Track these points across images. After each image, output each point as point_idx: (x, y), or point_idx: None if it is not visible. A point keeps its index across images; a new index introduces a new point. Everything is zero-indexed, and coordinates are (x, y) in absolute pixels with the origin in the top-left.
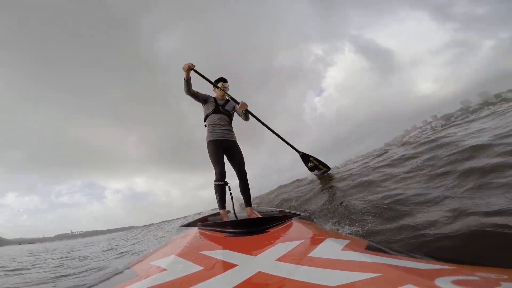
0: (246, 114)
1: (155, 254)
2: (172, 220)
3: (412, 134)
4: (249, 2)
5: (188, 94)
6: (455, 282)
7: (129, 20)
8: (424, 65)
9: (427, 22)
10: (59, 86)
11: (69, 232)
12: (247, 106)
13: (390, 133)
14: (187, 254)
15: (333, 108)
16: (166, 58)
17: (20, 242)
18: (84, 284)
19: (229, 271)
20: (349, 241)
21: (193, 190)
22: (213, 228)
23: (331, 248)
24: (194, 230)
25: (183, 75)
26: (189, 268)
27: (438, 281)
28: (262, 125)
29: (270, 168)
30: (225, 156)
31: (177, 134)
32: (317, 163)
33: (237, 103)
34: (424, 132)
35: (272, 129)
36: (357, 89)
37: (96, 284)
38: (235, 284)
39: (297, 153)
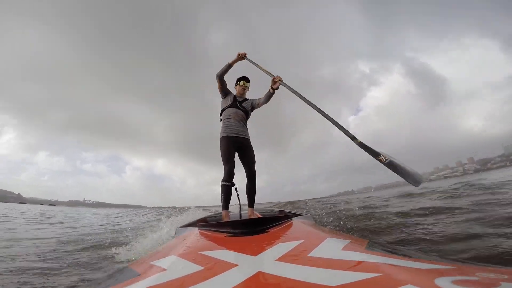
0: (273, 93)
1: (155, 254)
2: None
3: (441, 173)
4: (301, 8)
5: (219, 77)
6: (455, 282)
7: (188, 12)
8: (478, 99)
9: (495, 52)
10: (114, 62)
11: (81, 200)
12: (281, 79)
13: (421, 167)
14: (187, 254)
15: (368, 130)
16: (213, 52)
17: (35, 202)
18: (84, 283)
19: (229, 271)
20: (349, 241)
21: (207, 183)
22: (213, 228)
23: (331, 248)
24: (195, 230)
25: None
26: (189, 268)
27: (438, 281)
28: (301, 99)
29: (284, 179)
30: (236, 154)
31: (205, 127)
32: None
33: (272, 75)
34: (453, 174)
35: (316, 105)
36: (397, 113)
37: (96, 284)
38: (235, 284)
39: (353, 142)
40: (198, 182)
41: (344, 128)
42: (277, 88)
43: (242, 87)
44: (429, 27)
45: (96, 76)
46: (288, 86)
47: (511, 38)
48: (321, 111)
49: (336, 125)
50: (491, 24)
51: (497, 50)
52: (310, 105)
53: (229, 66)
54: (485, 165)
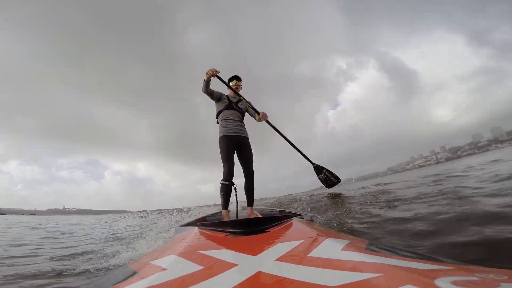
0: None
1: (155, 254)
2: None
3: (416, 163)
4: (280, 7)
5: (205, 93)
6: (455, 282)
7: (166, 8)
8: (447, 91)
9: (462, 46)
10: (83, 64)
11: (61, 207)
12: (267, 117)
13: (396, 158)
14: (187, 253)
15: (346, 123)
16: (191, 52)
17: (12, 212)
18: (84, 284)
19: (229, 270)
20: (349, 241)
21: (193, 183)
22: (213, 228)
23: (331, 248)
24: (194, 230)
25: (204, 70)
26: (189, 267)
27: (438, 281)
28: (279, 134)
29: (270, 177)
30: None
31: (187, 127)
32: (330, 175)
33: (257, 112)
34: (427, 163)
35: (288, 138)
36: (373, 107)
37: (95, 284)
38: (235, 284)
39: (311, 165)
40: (182, 183)
41: (306, 156)
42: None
43: (234, 87)
44: (400, 22)
45: (65, 80)
46: (271, 123)
47: (476, 33)
48: (294, 145)
49: (300, 153)
50: (457, 19)
51: (464, 44)
52: (289, 143)
53: (206, 83)
54: (455, 153)
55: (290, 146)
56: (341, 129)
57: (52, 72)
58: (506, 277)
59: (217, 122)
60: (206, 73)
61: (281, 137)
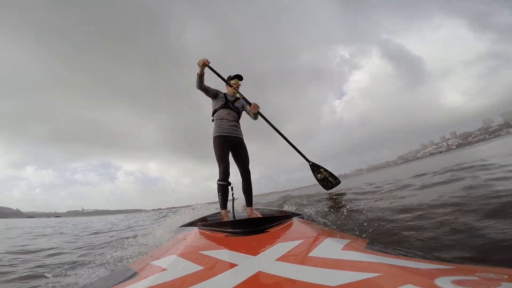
0: (256, 115)
1: (155, 254)
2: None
3: (427, 150)
4: None
5: (199, 89)
6: (455, 282)
7: (163, 8)
8: (455, 76)
9: (464, 31)
10: (90, 70)
11: (80, 209)
12: (259, 108)
13: (407, 145)
14: (188, 254)
15: (353, 112)
16: (192, 51)
17: (34, 215)
18: (84, 284)
19: (229, 270)
20: (349, 240)
21: (202, 180)
22: (213, 228)
23: (331, 248)
24: (194, 230)
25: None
26: (189, 268)
27: (438, 281)
28: (273, 129)
29: (278, 169)
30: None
31: (193, 125)
32: (327, 175)
33: (249, 103)
34: (438, 150)
35: (283, 134)
36: (380, 95)
37: (96, 284)
38: (235, 284)
39: (307, 162)
40: (192, 180)
41: (301, 152)
42: (256, 115)
43: (233, 88)
44: (400, 8)
45: (72, 86)
46: (264, 116)
47: (478, 16)
48: (286, 138)
49: (295, 149)
50: (456, 5)
51: (466, 29)
52: (283, 138)
53: (199, 76)
54: (466, 139)
55: (295, 140)
56: (349, 118)
57: (57, 82)
58: (506, 276)
59: (212, 120)
60: (197, 64)
61: (279, 133)
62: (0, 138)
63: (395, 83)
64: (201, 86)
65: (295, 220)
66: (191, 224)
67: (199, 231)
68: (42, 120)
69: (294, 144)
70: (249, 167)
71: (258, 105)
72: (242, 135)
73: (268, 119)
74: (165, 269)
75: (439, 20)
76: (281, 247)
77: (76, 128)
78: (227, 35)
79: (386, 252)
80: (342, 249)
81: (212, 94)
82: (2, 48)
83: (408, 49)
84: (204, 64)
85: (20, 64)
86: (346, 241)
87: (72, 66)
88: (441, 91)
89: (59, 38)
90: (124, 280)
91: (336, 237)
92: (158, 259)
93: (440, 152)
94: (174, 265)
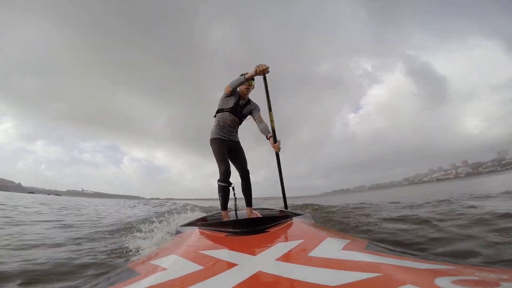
0: (270, 133)
1: (155, 254)
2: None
3: (434, 175)
4: (302, 2)
5: (231, 90)
6: (455, 282)
7: (189, 6)
8: (479, 100)
9: (499, 53)
10: (113, 55)
11: (80, 189)
12: (280, 149)
13: (416, 168)
14: (187, 253)
15: (367, 128)
16: (213, 48)
17: (36, 191)
18: (84, 284)
19: (229, 270)
20: (349, 240)
21: (208, 176)
22: (213, 228)
23: (331, 248)
24: (195, 230)
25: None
26: (189, 267)
27: (438, 281)
28: (277, 165)
29: (283, 175)
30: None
31: (203, 121)
32: None
33: (275, 141)
34: (446, 177)
35: (281, 172)
36: (397, 114)
37: (95, 284)
38: (235, 284)
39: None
40: (196, 174)
41: (285, 197)
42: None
43: (246, 87)
44: (432, 25)
45: (95, 70)
46: (278, 156)
47: None
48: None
49: (282, 192)
50: (495, 24)
51: (501, 51)
52: (280, 177)
53: (245, 80)
54: (476, 169)
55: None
56: (361, 133)
57: (81, 63)
58: (506, 276)
59: (214, 116)
60: (256, 68)
61: (277, 165)
62: (19, 110)
63: (415, 102)
64: (236, 88)
65: (295, 220)
66: (191, 223)
67: (199, 231)
68: (62, 99)
69: (283, 185)
70: (248, 167)
71: (280, 145)
72: (238, 139)
73: (279, 159)
74: (165, 269)
75: (474, 41)
76: (281, 247)
77: (94, 110)
78: (250, 34)
79: (386, 252)
80: (342, 249)
81: (233, 93)
82: (42, 31)
83: (434, 68)
84: (263, 72)
85: (54, 45)
86: (346, 241)
87: (102, 53)
88: (461, 116)
89: (97, 26)
90: (124, 280)
91: (336, 237)
92: (158, 258)
93: (447, 179)
94: (174, 265)
